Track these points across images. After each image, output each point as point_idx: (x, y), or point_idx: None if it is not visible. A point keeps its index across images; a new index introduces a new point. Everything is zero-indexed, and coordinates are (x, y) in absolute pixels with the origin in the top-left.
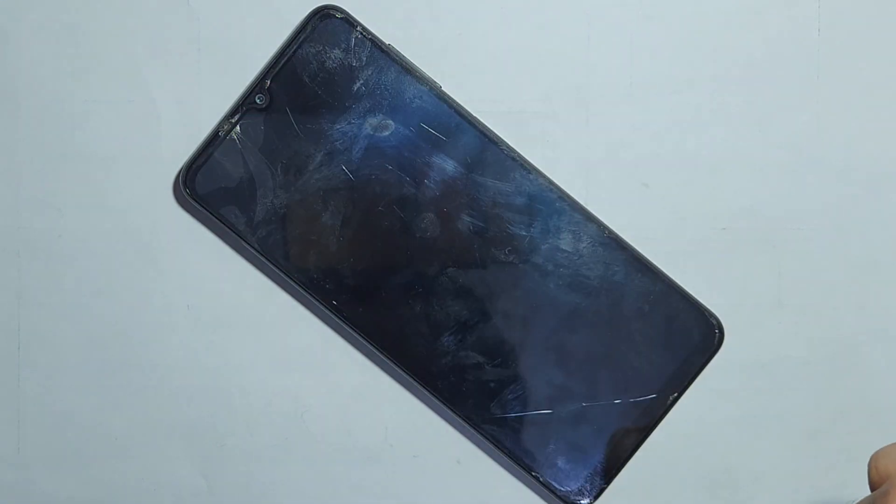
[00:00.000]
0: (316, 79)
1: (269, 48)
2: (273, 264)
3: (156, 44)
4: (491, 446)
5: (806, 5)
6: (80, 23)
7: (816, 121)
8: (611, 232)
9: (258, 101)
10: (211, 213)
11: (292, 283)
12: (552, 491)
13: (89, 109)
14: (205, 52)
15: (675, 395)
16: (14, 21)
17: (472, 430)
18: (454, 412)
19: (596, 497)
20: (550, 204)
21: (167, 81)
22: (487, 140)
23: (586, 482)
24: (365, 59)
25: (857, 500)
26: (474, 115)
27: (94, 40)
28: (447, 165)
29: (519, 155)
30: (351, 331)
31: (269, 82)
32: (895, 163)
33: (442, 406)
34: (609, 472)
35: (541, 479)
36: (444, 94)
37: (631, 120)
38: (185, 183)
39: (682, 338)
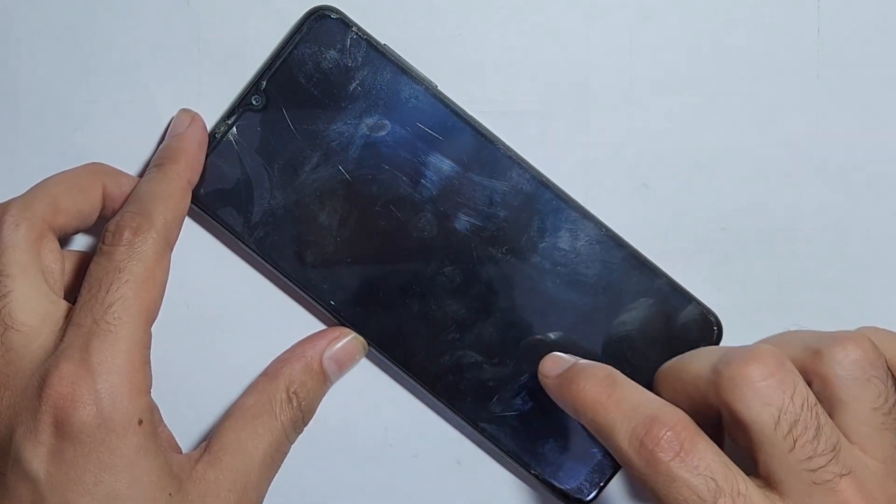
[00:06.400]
0: (312, 79)
1: (268, 48)
2: (271, 265)
3: (156, 44)
4: (491, 446)
5: (806, 5)
6: (80, 23)
7: (816, 121)
8: (608, 230)
9: (254, 102)
10: (208, 214)
11: (290, 283)
12: (552, 489)
13: (89, 109)
14: (205, 52)
15: None
16: (14, 21)
17: (471, 429)
18: (453, 411)
19: (596, 494)
20: (548, 202)
21: (167, 81)
22: (483, 139)
23: (586, 480)
24: (360, 59)
25: None
26: (471, 114)
27: (94, 40)
28: (443, 165)
29: (515, 153)
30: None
31: (264, 83)
32: (895, 163)
33: (441, 405)
34: (608, 469)
35: (540, 477)
36: (440, 93)
37: (631, 120)
38: None
39: (681, 334)
